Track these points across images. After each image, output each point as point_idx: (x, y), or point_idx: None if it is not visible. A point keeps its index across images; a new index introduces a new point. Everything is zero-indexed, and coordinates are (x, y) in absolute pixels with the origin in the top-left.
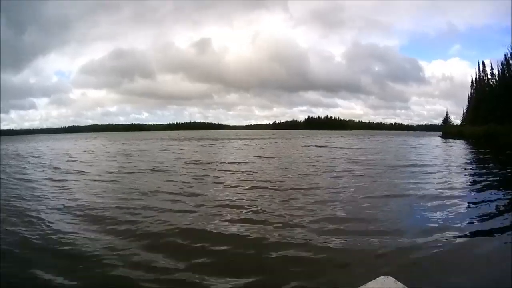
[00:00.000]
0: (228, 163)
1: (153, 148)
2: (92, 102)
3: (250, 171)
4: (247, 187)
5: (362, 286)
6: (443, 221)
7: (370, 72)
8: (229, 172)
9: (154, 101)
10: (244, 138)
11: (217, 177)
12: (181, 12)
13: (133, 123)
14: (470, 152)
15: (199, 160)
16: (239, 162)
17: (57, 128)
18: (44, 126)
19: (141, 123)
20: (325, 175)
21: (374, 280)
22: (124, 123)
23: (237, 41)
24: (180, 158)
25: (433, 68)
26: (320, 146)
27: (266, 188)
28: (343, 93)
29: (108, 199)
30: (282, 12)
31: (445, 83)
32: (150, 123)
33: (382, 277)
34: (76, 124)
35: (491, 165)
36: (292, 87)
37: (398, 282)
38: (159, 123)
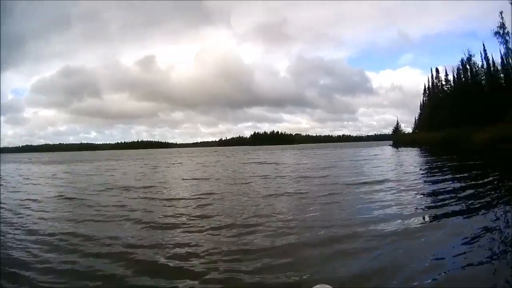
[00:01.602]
0: (156, 186)
1: (89, 170)
2: (43, 121)
3: (181, 197)
4: (172, 221)
5: None
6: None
7: (316, 85)
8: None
9: (102, 120)
10: (185, 156)
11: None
12: (128, 30)
13: (83, 142)
14: (432, 160)
15: (124, 185)
16: (169, 187)
17: (12, 148)
18: (1, 146)
19: (90, 142)
20: (268, 199)
21: None
22: (73, 142)
23: (183, 59)
24: (106, 183)
25: (381, 79)
26: (264, 163)
27: (195, 219)
28: (289, 108)
29: None
30: (226, 29)
31: (394, 93)
32: (98, 143)
33: (319, 285)
34: (30, 144)
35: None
36: (238, 104)
37: None
38: (108, 142)
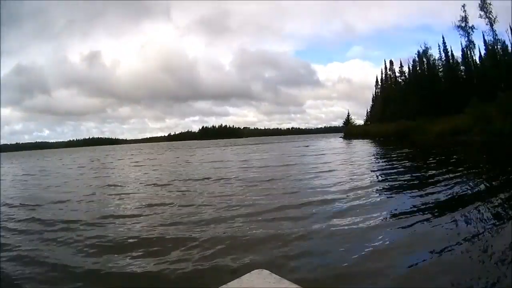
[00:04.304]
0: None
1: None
2: None
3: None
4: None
5: (236, 280)
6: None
7: (261, 78)
8: None
9: (53, 117)
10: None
11: None
12: (73, 26)
13: (37, 141)
14: (389, 153)
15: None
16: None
17: None
18: None
19: (44, 141)
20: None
21: (248, 273)
22: (28, 141)
23: (126, 53)
24: None
25: (329, 71)
26: (213, 161)
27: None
28: (234, 101)
29: None
30: (166, 22)
31: (343, 85)
32: (52, 141)
33: (256, 270)
34: None
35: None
36: (183, 98)
37: (274, 274)
38: (60, 140)
